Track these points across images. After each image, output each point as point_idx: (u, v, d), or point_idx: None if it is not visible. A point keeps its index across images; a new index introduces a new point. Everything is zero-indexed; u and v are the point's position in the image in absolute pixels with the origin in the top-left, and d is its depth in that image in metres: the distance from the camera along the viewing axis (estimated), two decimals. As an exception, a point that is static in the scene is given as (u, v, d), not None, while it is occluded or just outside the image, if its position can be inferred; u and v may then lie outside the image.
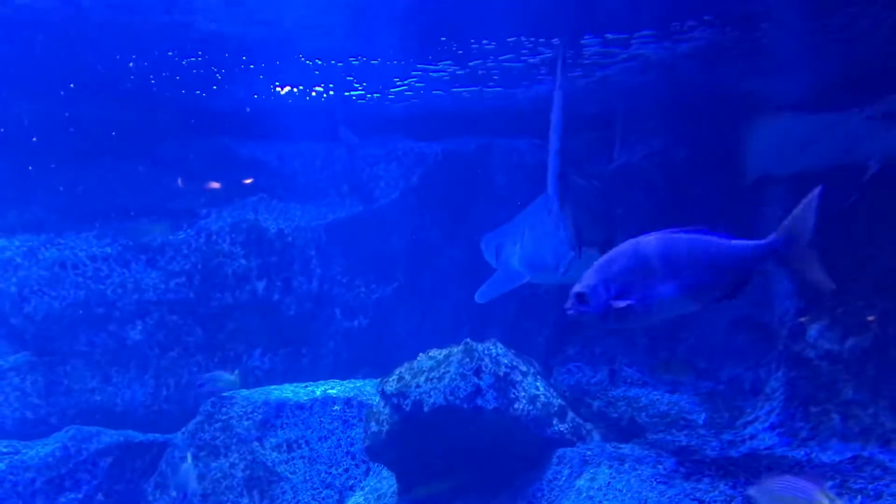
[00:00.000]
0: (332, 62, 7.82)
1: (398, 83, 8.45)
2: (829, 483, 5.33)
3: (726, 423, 7.26)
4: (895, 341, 5.80)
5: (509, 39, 7.20)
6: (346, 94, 8.78)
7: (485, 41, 7.23)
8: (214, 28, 6.91)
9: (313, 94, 8.78)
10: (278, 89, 8.64)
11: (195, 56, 7.62)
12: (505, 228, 7.63)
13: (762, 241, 3.74)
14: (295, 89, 8.66)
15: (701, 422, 7.31)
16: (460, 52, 7.46)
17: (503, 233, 7.57)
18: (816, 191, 3.80)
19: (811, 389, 6.28)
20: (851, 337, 6.05)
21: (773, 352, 7.38)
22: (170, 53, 7.55)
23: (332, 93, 8.77)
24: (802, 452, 6.01)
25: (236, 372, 8.18)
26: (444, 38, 7.22)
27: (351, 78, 8.25)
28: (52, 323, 8.72)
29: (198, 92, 8.54)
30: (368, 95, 8.84)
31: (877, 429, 5.85)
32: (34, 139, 8.86)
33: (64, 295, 8.73)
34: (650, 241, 3.82)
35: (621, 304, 3.79)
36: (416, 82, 8.39)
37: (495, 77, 8.20)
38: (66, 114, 8.78)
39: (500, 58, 7.63)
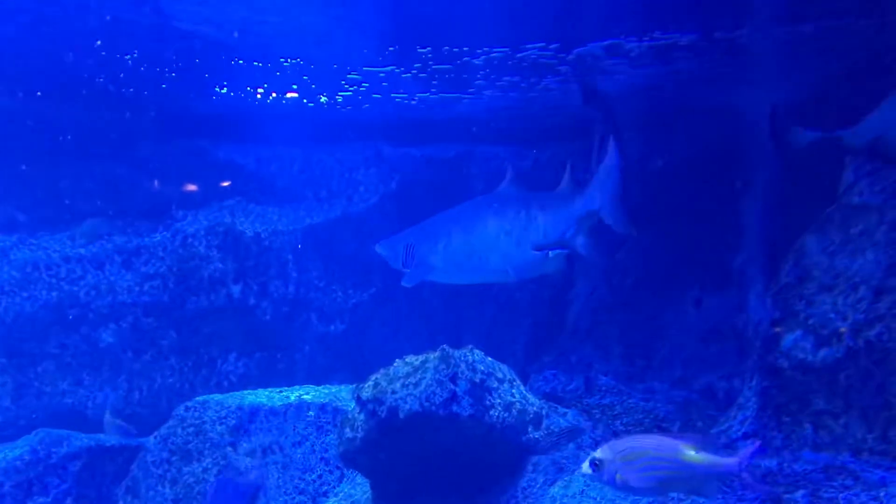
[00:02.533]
0: (311, 65, 7.81)
1: (377, 87, 8.45)
2: (802, 491, 5.38)
3: (700, 432, 7.30)
4: (866, 352, 5.86)
5: (490, 48, 7.23)
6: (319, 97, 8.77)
7: (466, 48, 7.26)
8: (192, 27, 6.87)
9: (292, 98, 8.76)
10: (236, 91, 8.62)
11: (172, 56, 7.57)
12: (409, 232, 7.98)
13: None
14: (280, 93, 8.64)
15: (675, 430, 7.35)
16: (434, 56, 7.48)
17: (409, 236, 7.94)
18: None
19: (784, 399, 6.33)
20: (824, 347, 6.12)
21: (747, 361, 7.44)
22: (143, 53, 7.50)
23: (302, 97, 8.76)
24: (775, 461, 6.06)
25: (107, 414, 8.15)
26: (421, 45, 7.23)
27: (306, 78, 8.23)
28: (24, 324, 8.61)
29: (167, 85, 8.46)
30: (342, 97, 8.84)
31: (848, 438, 5.91)
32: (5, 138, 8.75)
33: (36, 296, 8.62)
34: None
35: None
36: (395, 88, 8.40)
37: (477, 83, 8.23)
38: (40, 112, 8.68)
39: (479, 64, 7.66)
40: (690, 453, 4.33)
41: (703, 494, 4.48)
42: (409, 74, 7.95)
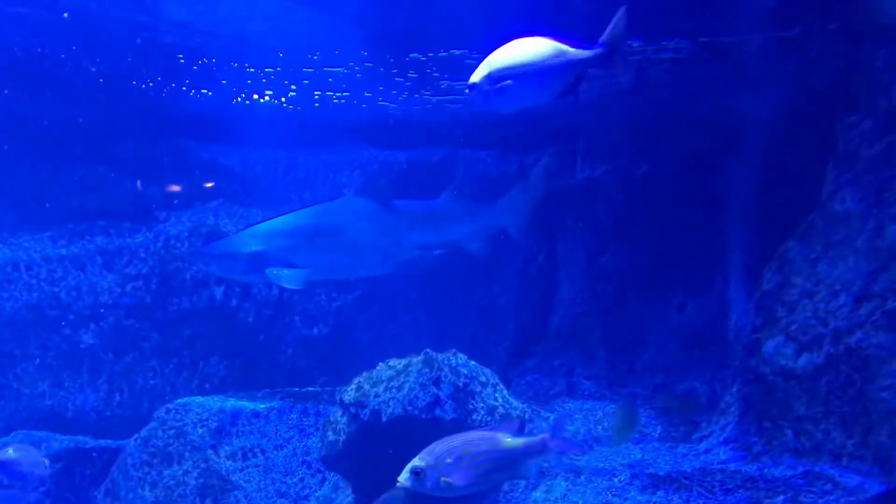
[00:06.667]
0: (296, 69, 7.79)
1: (363, 92, 8.44)
2: (783, 497, 5.41)
3: (681, 437, 7.33)
4: (847, 359, 5.90)
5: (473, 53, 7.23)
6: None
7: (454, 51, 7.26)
8: (177, 28, 6.84)
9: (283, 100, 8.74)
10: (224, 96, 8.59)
11: (158, 56, 7.53)
12: (245, 237, 7.88)
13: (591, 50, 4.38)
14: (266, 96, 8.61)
15: (656, 435, 7.37)
16: (419, 60, 7.48)
17: (248, 241, 7.85)
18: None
19: (765, 405, 6.36)
20: (805, 353, 6.15)
21: (729, 367, 7.47)
22: (127, 53, 7.46)
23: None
24: (755, 467, 6.09)
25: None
26: (406, 49, 7.23)
27: (288, 81, 8.22)
28: (2, 325, 8.52)
29: (151, 85, 8.41)
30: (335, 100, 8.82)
31: (828, 444, 5.94)
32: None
33: (16, 297, 8.54)
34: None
35: (503, 84, 4.32)
36: (381, 91, 8.39)
37: (462, 86, 8.23)
38: (20, 111, 8.60)
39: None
40: (508, 440, 4.38)
41: (523, 476, 4.55)
42: (392, 77, 7.95)
